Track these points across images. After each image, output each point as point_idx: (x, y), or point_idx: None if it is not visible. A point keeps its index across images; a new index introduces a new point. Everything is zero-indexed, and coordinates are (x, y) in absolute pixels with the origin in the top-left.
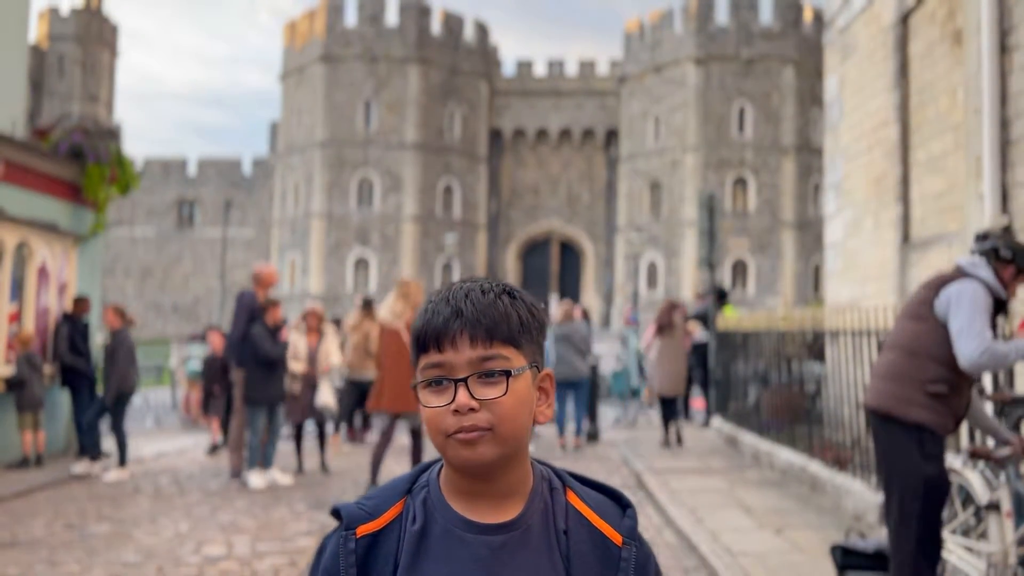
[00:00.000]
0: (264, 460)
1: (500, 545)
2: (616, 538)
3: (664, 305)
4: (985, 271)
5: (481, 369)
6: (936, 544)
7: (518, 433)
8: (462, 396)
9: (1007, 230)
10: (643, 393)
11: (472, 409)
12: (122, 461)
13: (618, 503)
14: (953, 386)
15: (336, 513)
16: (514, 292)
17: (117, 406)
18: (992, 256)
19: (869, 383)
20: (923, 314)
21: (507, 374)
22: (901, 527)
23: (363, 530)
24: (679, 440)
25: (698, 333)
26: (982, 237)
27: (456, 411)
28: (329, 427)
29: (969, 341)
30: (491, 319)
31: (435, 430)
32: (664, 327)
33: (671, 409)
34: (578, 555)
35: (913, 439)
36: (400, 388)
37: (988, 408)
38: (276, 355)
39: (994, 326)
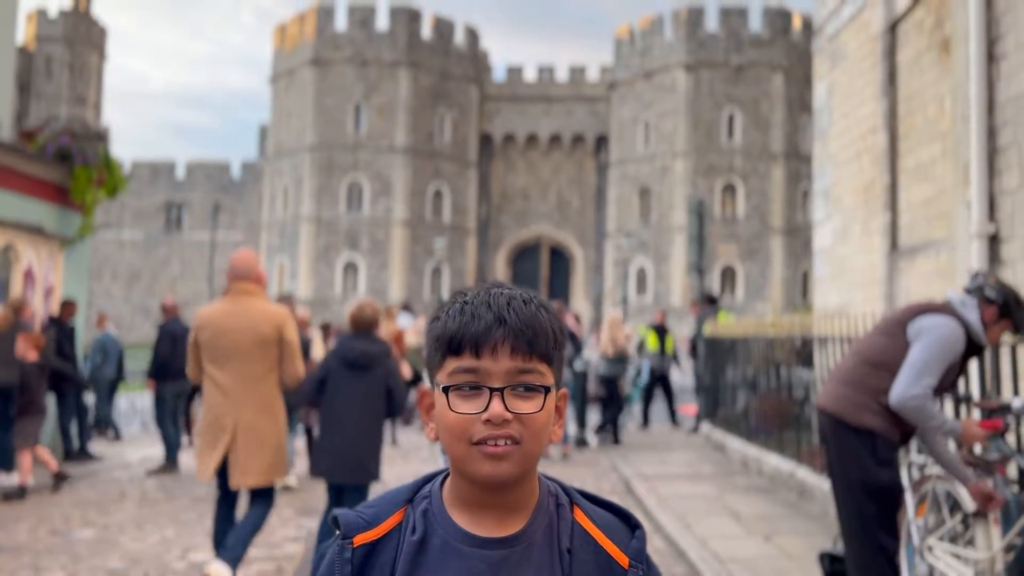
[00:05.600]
0: None
1: (500, 560)
2: (622, 560)
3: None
4: (973, 313)
5: (519, 381)
6: (896, 551)
7: (540, 450)
8: (498, 406)
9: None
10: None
11: (505, 420)
12: None
13: (627, 523)
14: None
15: (336, 521)
16: (548, 306)
17: None
18: (978, 294)
19: (824, 384)
20: (895, 332)
21: (546, 390)
22: (860, 534)
23: (360, 539)
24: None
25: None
26: (975, 275)
27: (488, 420)
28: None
29: (911, 382)
30: (533, 331)
31: (459, 437)
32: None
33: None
34: (581, 575)
35: (866, 445)
36: None
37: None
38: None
39: (962, 369)
